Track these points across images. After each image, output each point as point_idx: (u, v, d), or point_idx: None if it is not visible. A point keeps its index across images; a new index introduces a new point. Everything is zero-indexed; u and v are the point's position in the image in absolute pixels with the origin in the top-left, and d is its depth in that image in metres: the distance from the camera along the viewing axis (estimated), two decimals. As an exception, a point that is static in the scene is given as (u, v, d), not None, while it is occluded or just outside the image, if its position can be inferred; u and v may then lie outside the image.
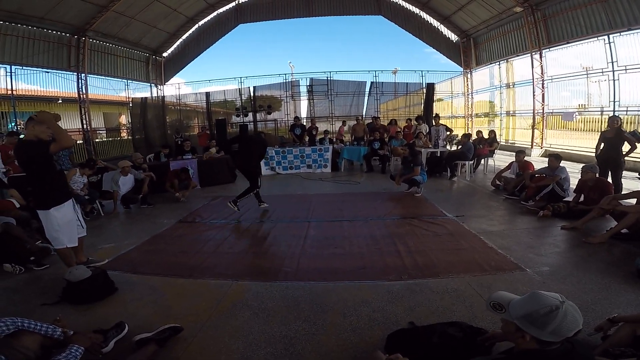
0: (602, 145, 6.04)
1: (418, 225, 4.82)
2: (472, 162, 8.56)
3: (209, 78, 18.50)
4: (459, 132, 13.44)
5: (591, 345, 2.04)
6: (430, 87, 15.15)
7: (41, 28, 11.54)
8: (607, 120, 6.66)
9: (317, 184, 8.39)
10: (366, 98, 16.14)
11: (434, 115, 11.76)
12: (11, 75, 11.00)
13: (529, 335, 1.39)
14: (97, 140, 14.28)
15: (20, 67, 11.25)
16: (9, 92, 10.97)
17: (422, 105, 15.39)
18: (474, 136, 9.78)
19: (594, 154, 6.40)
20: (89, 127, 13.40)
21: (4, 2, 9.87)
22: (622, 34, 9.68)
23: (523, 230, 4.56)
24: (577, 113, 11.84)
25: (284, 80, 16.07)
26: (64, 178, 3.61)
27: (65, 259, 3.48)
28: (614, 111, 9.89)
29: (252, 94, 15.46)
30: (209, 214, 5.93)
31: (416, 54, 64.83)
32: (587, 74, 11.22)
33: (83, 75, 13.11)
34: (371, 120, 12.31)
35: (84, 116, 13.25)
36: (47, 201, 3.26)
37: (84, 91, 13.20)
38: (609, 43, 10.08)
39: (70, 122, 13.47)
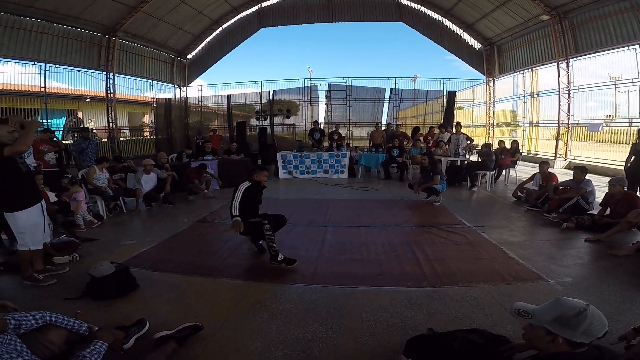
0: (632, 158, 5.86)
1: (437, 233, 4.77)
2: (493, 172, 8.42)
3: (230, 81, 18.83)
4: (479, 141, 13.25)
5: (615, 354, 2.00)
6: (452, 95, 14.99)
7: (75, 27, 11.97)
8: (636, 132, 6.46)
9: (334, 189, 8.40)
10: (385, 105, 16.11)
11: (455, 123, 11.63)
12: (45, 74, 11.43)
13: (561, 338, 1.44)
14: (121, 139, 14.67)
15: (54, 66, 11.67)
16: (42, 89, 11.39)
17: (443, 113, 15.24)
18: (495, 146, 9.61)
19: (621, 167, 6.23)
20: (114, 126, 13.78)
21: (42, 1, 10.24)
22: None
23: (545, 242, 4.47)
24: (604, 124, 11.50)
25: (303, 85, 16.22)
26: (31, 182, 3.46)
27: (23, 262, 3.37)
28: (643, 123, 9.55)
29: (271, 98, 15.64)
30: (228, 214, 5.96)
31: (436, 61, 64.38)
32: (616, 83, 10.90)
33: (111, 74, 13.48)
34: (387, 127, 12.30)
35: (110, 115, 13.63)
36: (13, 204, 3.21)
37: (111, 90, 13.58)
38: (640, 52, 9.78)
39: (96, 121, 13.97)
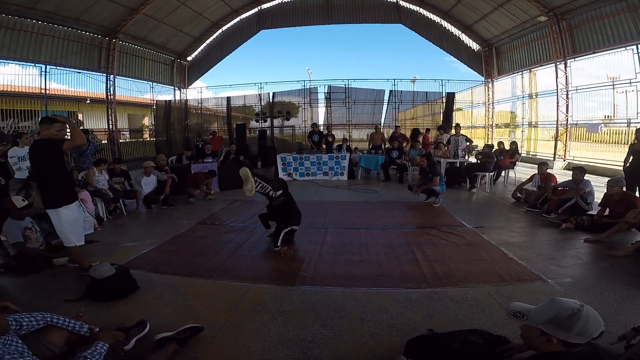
0: (631, 158, 5.88)
1: (437, 235, 4.78)
2: (492, 173, 8.43)
3: (230, 83, 18.93)
4: (478, 142, 13.26)
5: (614, 354, 2.01)
6: (451, 97, 15.03)
7: (76, 29, 12.05)
8: (634, 132, 6.48)
9: (334, 191, 8.41)
10: (385, 106, 16.15)
11: (454, 124, 11.67)
12: (45, 75, 11.48)
13: (555, 339, 1.45)
14: (120, 140, 14.69)
15: (54, 67, 11.73)
16: (42, 91, 11.45)
17: (442, 115, 15.28)
18: (495, 147, 9.63)
19: (619, 167, 6.25)
20: (114, 128, 13.80)
21: (43, 3, 10.29)
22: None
23: (544, 242, 4.48)
24: (602, 125, 11.52)
25: (302, 87, 16.25)
26: (72, 179, 3.66)
27: (77, 256, 3.59)
28: (642, 123, 9.56)
29: (270, 100, 15.66)
30: (228, 216, 6.02)
31: (435, 62, 64.62)
32: (614, 84, 10.94)
33: (112, 76, 13.53)
34: (396, 129, 12.31)
35: (110, 117, 13.65)
36: (58, 200, 3.32)
37: (111, 92, 13.61)
38: (638, 53, 9.84)
39: (96, 123, 13.95)
